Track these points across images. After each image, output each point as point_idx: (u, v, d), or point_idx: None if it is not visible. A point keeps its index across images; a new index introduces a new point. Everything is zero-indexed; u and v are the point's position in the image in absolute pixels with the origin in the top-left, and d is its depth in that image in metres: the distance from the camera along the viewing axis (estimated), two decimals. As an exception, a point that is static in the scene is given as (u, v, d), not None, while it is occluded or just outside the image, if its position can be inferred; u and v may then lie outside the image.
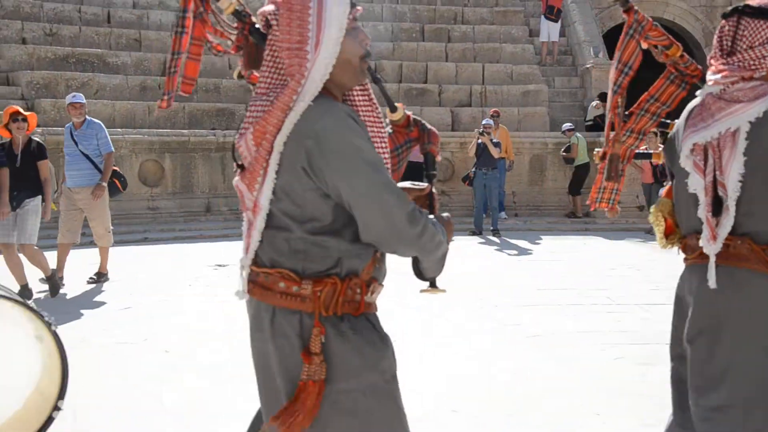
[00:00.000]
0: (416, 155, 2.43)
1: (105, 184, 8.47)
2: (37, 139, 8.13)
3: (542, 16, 18.21)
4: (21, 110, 7.80)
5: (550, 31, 18.12)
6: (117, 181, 8.80)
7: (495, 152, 13.22)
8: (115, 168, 8.85)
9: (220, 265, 9.95)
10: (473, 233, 13.32)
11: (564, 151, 15.00)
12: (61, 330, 6.42)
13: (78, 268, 8.94)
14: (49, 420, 3.51)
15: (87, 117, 8.71)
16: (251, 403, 4.69)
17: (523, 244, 12.35)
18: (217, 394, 4.91)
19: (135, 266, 9.89)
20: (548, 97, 17.26)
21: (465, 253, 10.58)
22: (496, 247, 12.09)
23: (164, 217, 13.58)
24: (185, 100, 14.94)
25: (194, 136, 14.14)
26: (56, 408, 3.52)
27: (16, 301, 3.54)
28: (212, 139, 14.29)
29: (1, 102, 13.06)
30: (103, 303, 7.68)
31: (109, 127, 13.60)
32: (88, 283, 8.61)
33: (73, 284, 8.46)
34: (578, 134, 15.19)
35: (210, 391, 4.98)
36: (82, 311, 7.31)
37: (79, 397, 4.78)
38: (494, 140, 13.39)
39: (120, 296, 7.93)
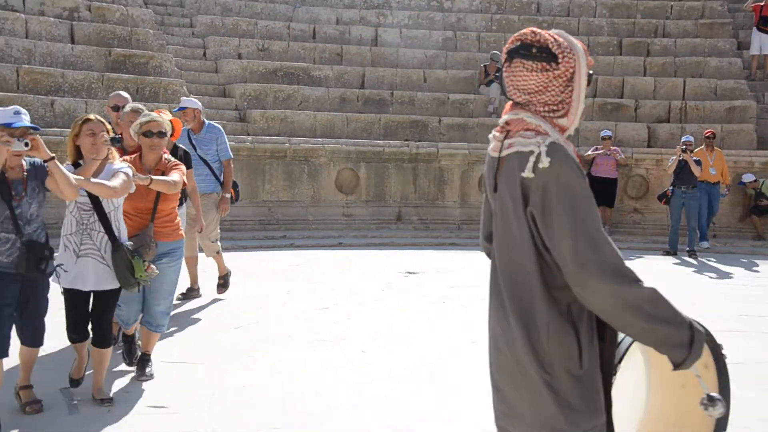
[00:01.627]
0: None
1: (228, 196, 7.95)
2: (182, 147, 7.10)
3: (754, 28, 17.15)
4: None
5: (762, 43, 17.03)
6: (233, 192, 8.21)
7: (696, 170, 12.67)
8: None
9: (410, 273, 10.25)
10: (667, 253, 12.81)
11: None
12: (272, 325, 6.96)
13: (296, 266, 9.51)
14: None
15: (206, 121, 8.13)
16: (443, 404, 4.89)
17: (723, 267, 11.72)
18: (411, 394, 5.13)
19: (331, 269, 10.40)
20: (756, 114, 16.23)
21: (658, 273, 10.21)
22: (693, 269, 11.56)
23: (357, 224, 14.15)
24: (382, 112, 15.50)
25: (389, 146, 14.58)
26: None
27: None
28: (405, 150, 14.69)
29: (218, 112, 14.19)
30: (305, 302, 8.15)
31: (310, 137, 14.51)
32: (219, 292, 8.15)
33: (276, 283, 9.05)
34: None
35: (404, 391, 5.20)
36: (279, 312, 7.81)
37: (285, 386, 5.17)
38: (694, 158, 12.83)
39: (319, 297, 8.40)
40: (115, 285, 4.73)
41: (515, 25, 18.10)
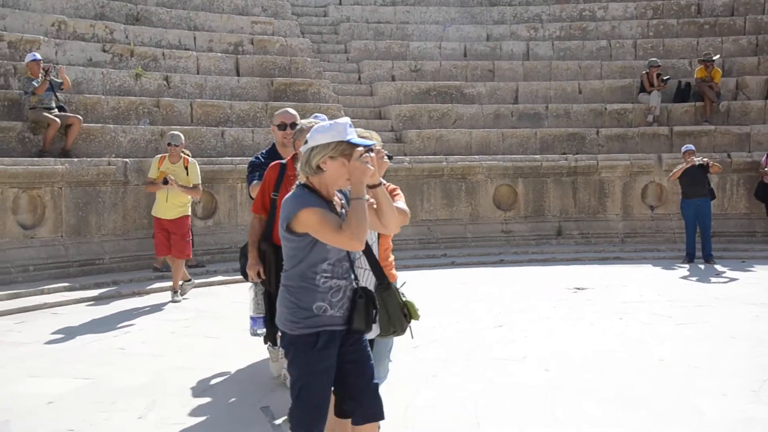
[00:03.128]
0: None
1: None
2: None
3: None
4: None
5: None
6: None
7: None
8: None
9: (579, 288, 10.02)
10: None
11: None
12: (449, 344, 6.97)
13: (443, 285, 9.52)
14: None
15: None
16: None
17: None
18: (610, 417, 4.99)
19: (497, 286, 10.33)
20: None
21: None
22: None
23: (517, 240, 14.00)
24: (537, 127, 15.32)
25: (546, 161, 14.39)
26: None
27: None
28: (564, 163, 14.44)
29: (375, 134, 14.45)
30: (478, 320, 8.14)
31: (465, 154, 14.53)
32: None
33: (443, 302, 9.08)
34: None
35: (599, 415, 5.07)
36: (453, 330, 7.82)
37: (478, 404, 5.16)
38: None
39: (490, 315, 8.36)
40: (375, 333, 3.77)
41: (674, 30, 17.47)
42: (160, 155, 9.81)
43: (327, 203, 3.37)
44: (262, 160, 5.70)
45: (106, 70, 13.00)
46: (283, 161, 5.15)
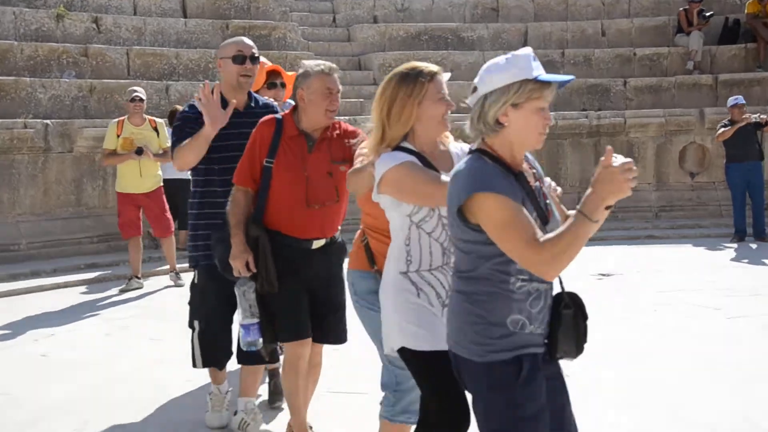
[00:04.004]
0: None
1: None
2: None
3: None
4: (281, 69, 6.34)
5: None
6: None
7: None
8: None
9: (604, 275, 10.02)
10: None
11: None
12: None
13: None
14: None
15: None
16: None
17: None
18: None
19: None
20: None
21: None
22: None
23: (528, 216, 13.94)
24: (551, 77, 15.20)
25: (562, 119, 14.32)
26: None
27: None
28: (584, 122, 14.40)
29: (354, 88, 14.33)
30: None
31: (463, 112, 14.37)
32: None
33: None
34: None
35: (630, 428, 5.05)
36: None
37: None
38: None
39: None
40: None
41: (720, -45, 17.38)
42: (115, 120, 9.77)
43: (515, 176, 2.83)
44: (197, 113, 4.87)
45: (19, 9, 12.82)
46: (278, 116, 4.61)
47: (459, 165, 2.91)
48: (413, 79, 3.40)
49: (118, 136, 9.50)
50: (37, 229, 11.05)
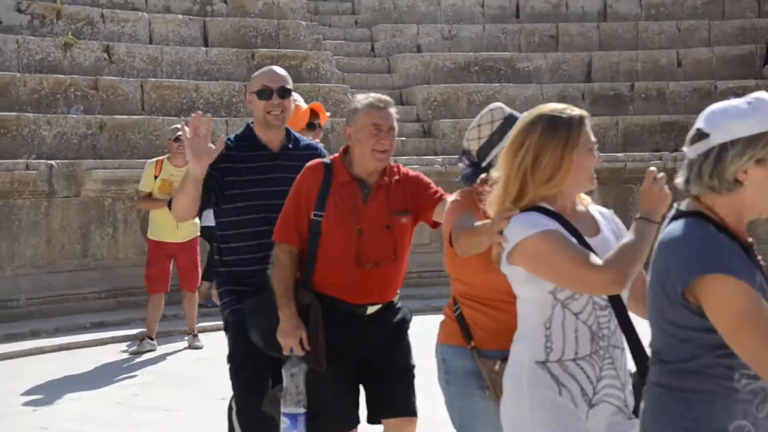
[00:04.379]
0: None
1: None
2: None
3: None
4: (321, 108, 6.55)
5: None
6: None
7: None
8: None
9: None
10: None
11: None
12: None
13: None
14: None
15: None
16: None
17: None
18: None
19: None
20: None
21: None
22: None
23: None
24: (618, 113, 15.06)
25: (631, 161, 14.11)
26: None
27: None
28: (657, 164, 13.96)
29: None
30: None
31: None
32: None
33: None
34: None
35: None
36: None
37: None
38: None
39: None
40: None
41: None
42: (154, 159, 9.74)
43: (745, 250, 2.59)
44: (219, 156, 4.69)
45: (23, 38, 12.79)
46: (327, 160, 4.42)
47: (671, 231, 2.61)
48: (566, 124, 3.09)
49: (156, 177, 9.41)
50: (39, 283, 10.93)
